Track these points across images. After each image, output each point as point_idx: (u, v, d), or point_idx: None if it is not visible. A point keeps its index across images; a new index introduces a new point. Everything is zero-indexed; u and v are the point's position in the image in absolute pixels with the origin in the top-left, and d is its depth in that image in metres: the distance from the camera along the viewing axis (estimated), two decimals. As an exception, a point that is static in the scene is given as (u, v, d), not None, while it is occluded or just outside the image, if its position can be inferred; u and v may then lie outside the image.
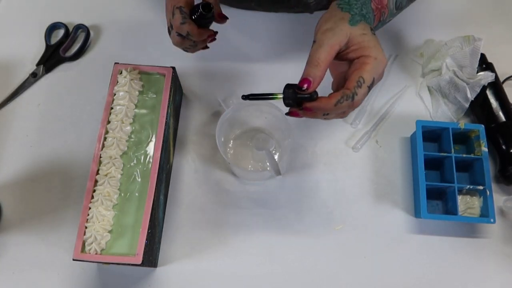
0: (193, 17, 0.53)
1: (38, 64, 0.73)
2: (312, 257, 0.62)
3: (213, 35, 0.57)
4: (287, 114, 0.49)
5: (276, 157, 0.66)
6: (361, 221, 0.64)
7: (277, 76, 0.72)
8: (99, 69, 0.72)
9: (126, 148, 0.59)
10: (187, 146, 0.68)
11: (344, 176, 0.66)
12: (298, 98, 0.47)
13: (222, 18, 0.56)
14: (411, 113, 0.70)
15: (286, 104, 0.48)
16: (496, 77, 0.68)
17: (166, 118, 0.60)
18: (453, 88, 0.67)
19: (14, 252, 0.62)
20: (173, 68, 0.63)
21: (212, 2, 0.54)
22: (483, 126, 0.64)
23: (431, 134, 0.66)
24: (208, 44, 0.59)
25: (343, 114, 0.49)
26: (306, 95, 0.46)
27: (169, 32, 0.56)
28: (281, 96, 0.48)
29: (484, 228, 0.64)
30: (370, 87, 0.47)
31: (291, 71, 0.73)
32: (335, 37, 0.46)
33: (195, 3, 0.55)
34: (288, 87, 0.47)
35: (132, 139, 0.59)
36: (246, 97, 0.50)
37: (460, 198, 0.63)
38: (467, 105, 0.67)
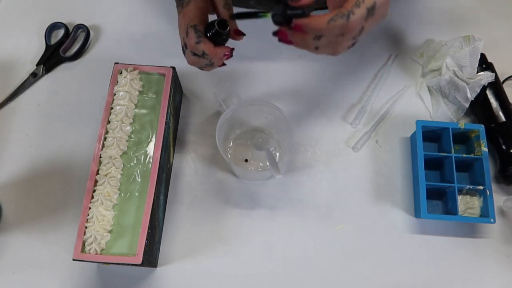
0: (208, 35, 0.50)
1: (38, 64, 0.73)
2: (312, 257, 0.62)
3: (230, 53, 0.54)
4: (274, 34, 0.44)
5: (276, 157, 0.66)
6: (361, 221, 0.64)
7: (277, 76, 0.72)
8: (99, 69, 0.72)
9: (126, 148, 0.59)
10: (187, 146, 0.68)
11: (344, 176, 0.66)
12: (289, 14, 0.42)
13: (239, 35, 0.52)
14: (411, 113, 0.70)
15: (275, 22, 0.43)
16: (496, 77, 0.68)
17: (166, 118, 0.60)
18: (453, 88, 0.67)
19: (14, 252, 0.62)
20: (173, 68, 0.63)
21: (227, 18, 0.51)
22: (483, 126, 0.64)
23: (431, 134, 0.66)
24: (225, 61, 0.56)
25: (335, 45, 0.44)
26: (297, 11, 0.42)
27: (184, 51, 0.54)
28: (270, 14, 0.43)
29: (484, 228, 0.64)
30: (370, 11, 0.42)
31: (292, 70, 0.73)
32: None
33: (209, 20, 0.53)
34: (279, 1, 0.42)
35: (132, 139, 0.59)
36: (235, 17, 0.47)
37: (460, 198, 0.63)
38: (467, 105, 0.67)
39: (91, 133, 0.67)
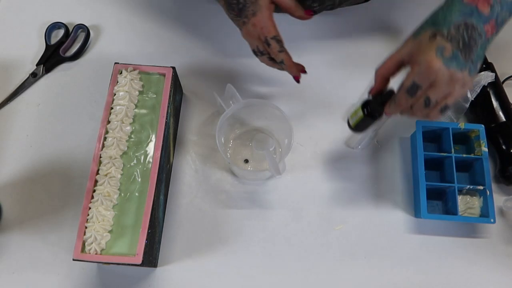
0: (365, 111, 0.54)
1: (38, 64, 0.73)
2: (312, 257, 0.62)
3: (303, 71, 0.61)
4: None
5: (276, 157, 0.66)
6: (361, 221, 0.64)
7: (277, 76, 0.72)
8: (99, 69, 0.72)
9: (126, 148, 0.59)
10: (187, 146, 0.68)
11: (344, 176, 0.66)
12: (383, 102, 0.52)
13: (309, 14, 0.58)
14: (411, 113, 0.70)
15: (373, 115, 0.53)
16: (496, 77, 0.68)
17: (166, 118, 0.60)
18: (453, 88, 0.67)
19: (14, 252, 0.62)
20: (173, 68, 0.63)
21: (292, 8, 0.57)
22: (483, 126, 0.64)
23: (431, 134, 0.66)
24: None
25: (411, 113, 0.50)
26: (384, 97, 0.52)
27: (256, 54, 0.60)
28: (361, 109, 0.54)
29: (484, 228, 0.64)
30: (410, 92, 0.47)
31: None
32: (394, 54, 0.50)
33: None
34: (367, 103, 0.54)
35: (132, 139, 0.59)
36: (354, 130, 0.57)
37: (460, 198, 0.63)
38: (467, 105, 0.67)
39: (91, 133, 0.67)
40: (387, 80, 0.52)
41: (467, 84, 0.47)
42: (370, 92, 0.53)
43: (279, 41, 0.57)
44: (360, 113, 0.53)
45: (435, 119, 0.49)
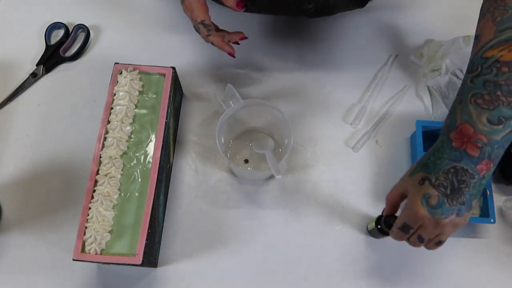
0: (378, 226, 0.57)
1: (38, 64, 0.73)
2: (312, 257, 0.62)
3: (244, 38, 0.61)
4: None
5: (276, 157, 0.66)
6: (361, 221, 0.64)
7: (277, 76, 0.72)
8: (99, 69, 0.72)
9: (126, 148, 0.59)
10: (187, 146, 0.68)
11: (344, 176, 0.66)
12: (390, 223, 0.55)
13: (240, 7, 0.57)
14: (411, 113, 0.70)
15: (382, 232, 0.57)
16: (496, 77, 0.68)
17: (166, 118, 0.60)
18: (453, 89, 0.67)
19: (14, 252, 0.62)
20: (173, 68, 0.63)
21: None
22: (483, 126, 0.64)
23: (431, 134, 0.66)
24: (211, 45, 0.60)
25: (409, 243, 0.53)
26: (392, 219, 0.55)
27: (195, 29, 0.59)
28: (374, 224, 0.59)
29: (484, 228, 0.64)
30: (402, 230, 0.50)
31: (291, 70, 0.73)
32: (396, 186, 0.53)
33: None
34: (379, 219, 0.58)
35: (132, 139, 0.59)
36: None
37: (460, 198, 0.63)
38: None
39: (91, 133, 0.67)
40: (395, 206, 0.55)
41: (458, 224, 0.48)
42: (382, 212, 0.57)
43: (207, 25, 0.57)
44: (374, 225, 0.58)
45: (433, 249, 0.52)
